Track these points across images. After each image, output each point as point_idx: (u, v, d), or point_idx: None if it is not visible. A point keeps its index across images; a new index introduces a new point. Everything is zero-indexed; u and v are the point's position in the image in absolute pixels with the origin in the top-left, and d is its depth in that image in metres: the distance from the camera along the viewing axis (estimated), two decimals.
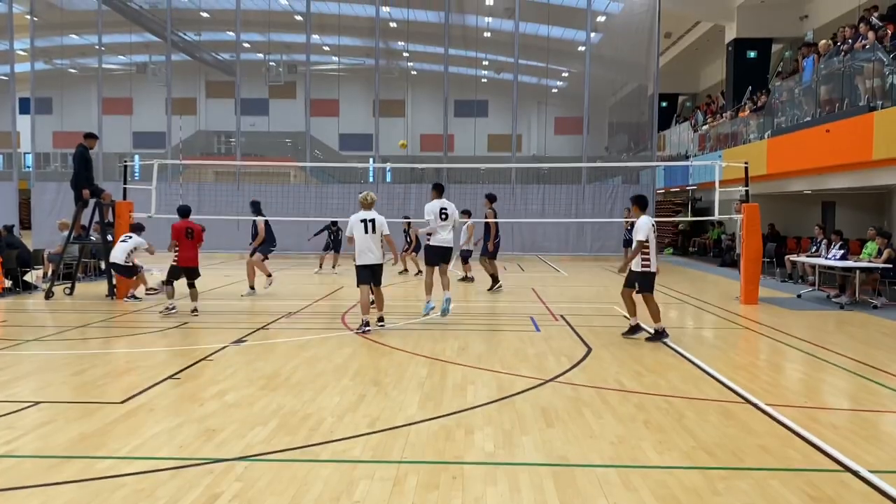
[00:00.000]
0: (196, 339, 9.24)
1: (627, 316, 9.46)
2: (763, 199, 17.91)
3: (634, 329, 9.24)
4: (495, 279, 14.48)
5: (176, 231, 11.13)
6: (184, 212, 11.49)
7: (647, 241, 8.95)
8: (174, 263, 11.17)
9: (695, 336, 10.02)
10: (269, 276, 13.77)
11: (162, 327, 9.93)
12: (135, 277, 12.72)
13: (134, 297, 12.66)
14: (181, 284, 11.23)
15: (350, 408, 5.95)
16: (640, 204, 9.29)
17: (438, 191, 10.85)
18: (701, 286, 16.05)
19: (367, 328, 9.59)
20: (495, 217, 14.78)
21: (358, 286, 9.85)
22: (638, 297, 9.21)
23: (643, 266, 9.01)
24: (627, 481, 4.40)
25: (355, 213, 9.84)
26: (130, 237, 12.63)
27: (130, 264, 12.47)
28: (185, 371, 7.24)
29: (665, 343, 8.87)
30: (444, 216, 10.47)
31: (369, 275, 9.79)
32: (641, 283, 9.06)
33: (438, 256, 10.56)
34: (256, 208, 13.82)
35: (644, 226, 8.98)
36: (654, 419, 5.69)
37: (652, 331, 9.13)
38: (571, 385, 6.81)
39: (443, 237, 10.48)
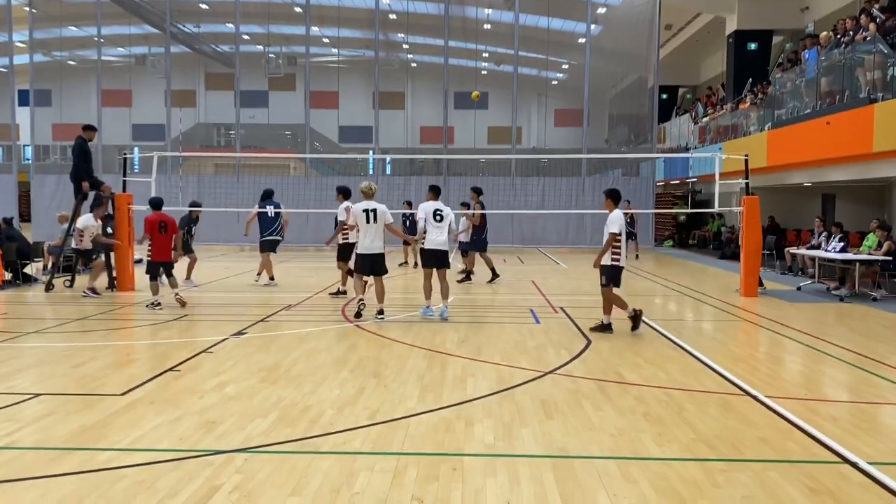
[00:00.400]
0: (196, 331, 9.26)
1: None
2: (763, 191, 17.89)
3: (636, 318, 9.07)
4: (471, 271, 14.80)
5: (149, 224, 10.73)
6: (156, 204, 11.13)
7: (619, 233, 8.95)
8: (149, 259, 10.90)
9: (694, 328, 10.04)
10: (272, 278, 13.68)
11: (161, 320, 9.93)
12: (94, 261, 12.69)
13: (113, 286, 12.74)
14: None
15: (350, 400, 5.96)
16: (613, 197, 9.26)
17: (435, 192, 10.58)
18: (701, 278, 16.05)
19: (363, 305, 9.77)
20: (483, 210, 14.79)
21: (356, 273, 10.05)
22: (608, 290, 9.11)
23: (613, 260, 8.98)
24: (627, 473, 4.41)
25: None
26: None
27: (90, 248, 12.44)
28: (185, 363, 7.25)
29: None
30: (438, 218, 10.11)
31: (368, 265, 9.83)
32: (609, 275, 9.01)
33: (434, 259, 10.18)
34: (261, 197, 13.90)
35: (618, 219, 8.99)
36: (653, 411, 5.70)
37: (605, 321, 9.09)
38: (571, 377, 6.82)
39: (437, 240, 10.10)
